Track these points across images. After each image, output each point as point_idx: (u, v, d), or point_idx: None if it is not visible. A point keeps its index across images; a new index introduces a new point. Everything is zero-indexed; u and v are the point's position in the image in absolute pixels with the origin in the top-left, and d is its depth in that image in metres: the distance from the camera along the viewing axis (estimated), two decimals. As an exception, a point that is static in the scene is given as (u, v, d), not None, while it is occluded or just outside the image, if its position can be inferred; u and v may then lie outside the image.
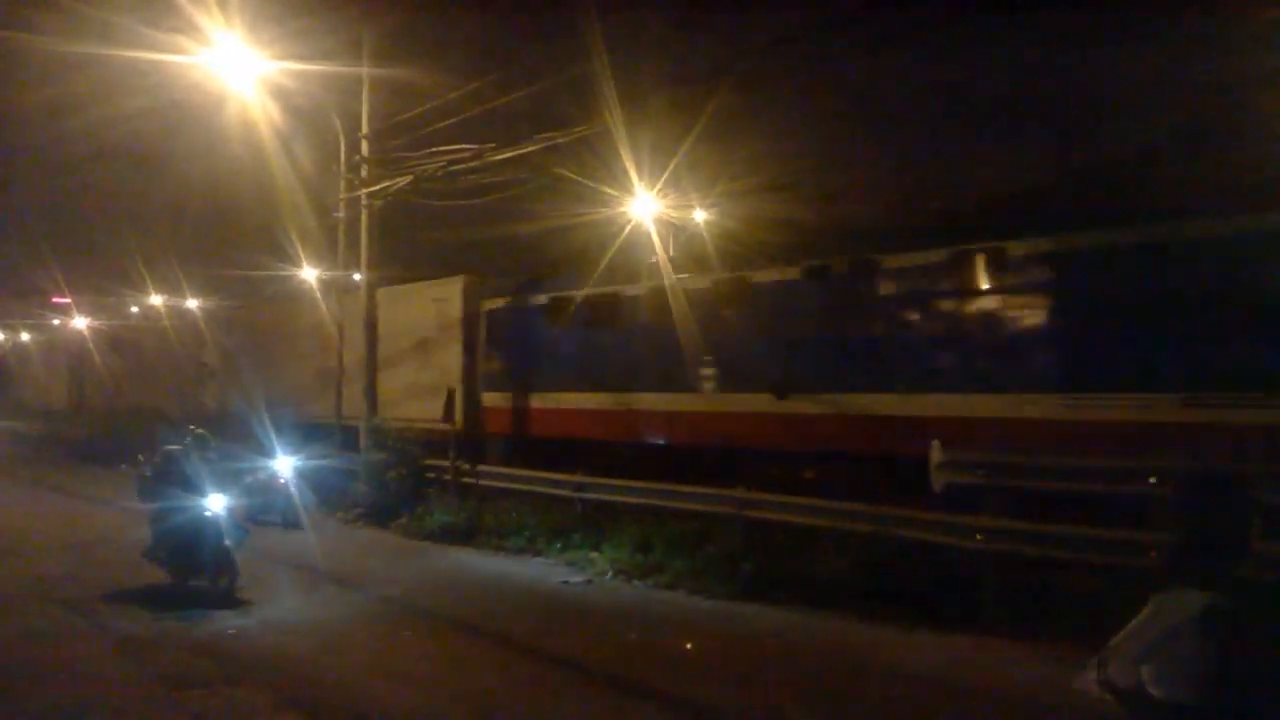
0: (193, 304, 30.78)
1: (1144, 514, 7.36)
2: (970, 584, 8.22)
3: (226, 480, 9.29)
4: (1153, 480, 7.18)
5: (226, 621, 8.22)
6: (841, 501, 9.67)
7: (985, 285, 10.26)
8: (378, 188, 15.28)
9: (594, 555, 10.98)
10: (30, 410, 41.48)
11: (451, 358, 16.86)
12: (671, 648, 7.77)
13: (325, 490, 15.15)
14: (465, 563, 11.63)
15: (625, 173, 14.16)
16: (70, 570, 10.31)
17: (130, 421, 26.62)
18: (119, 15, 11.71)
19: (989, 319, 10.20)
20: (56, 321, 40.72)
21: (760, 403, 12.03)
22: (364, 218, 15.66)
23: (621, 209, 15.71)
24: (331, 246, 17.61)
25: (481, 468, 14.49)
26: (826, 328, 11.67)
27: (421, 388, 16.95)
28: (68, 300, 36.81)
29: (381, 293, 16.88)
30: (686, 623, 8.56)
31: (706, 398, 12.84)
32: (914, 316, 10.95)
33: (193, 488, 8.97)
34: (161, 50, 11.57)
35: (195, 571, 9.07)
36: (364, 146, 15.48)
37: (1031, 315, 9.95)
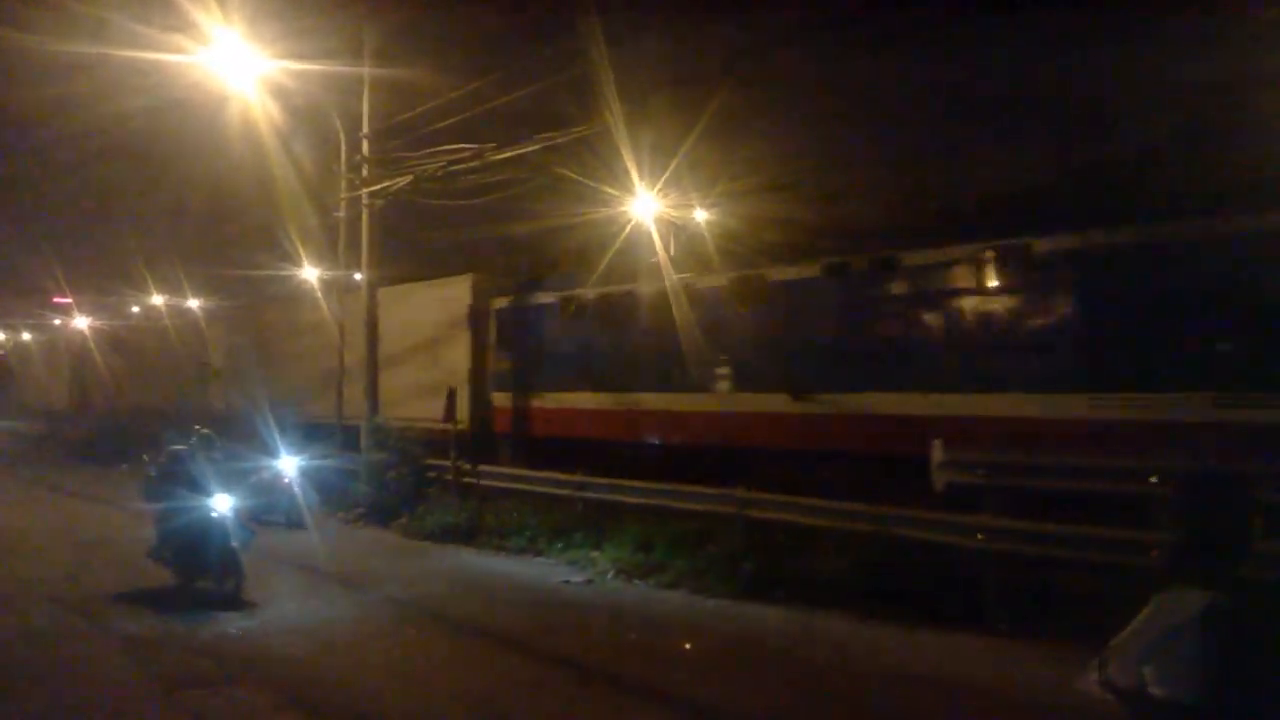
0: (194, 304, 30.80)
1: (1145, 513, 7.35)
2: (971, 583, 8.23)
3: (232, 480, 9.24)
4: (1154, 479, 7.17)
5: (231, 623, 8.21)
6: (842, 501, 9.64)
7: (1010, 282, 10.05)
8: (378, 187, 15.30)
9: (595, 555, 10.98)
10: (31, 410, 41.49)
11: (459, 357, 16.75)
12: (672, 647, 7.77)
13: (326, 490, 15.15)
14: (466, 562, 11.63)
15: (625, 172, 14.15)
16: (71, 570, 10.33)
17: (131, 421, 26.65)
18: (119, 15, 11.72)
19: (1014, 316, 10.02)
20: (57, 321, 40.74)
21: (776, 403, 11.91)
22: (365, 217, 15.67)
23: (622, 208, 15.71)
24: (332, 246, 17.61)
25: (482, 467, 14.47)
26: (846, 326, 11.53)
27: (424, 387, 16.89)
28: (68, 300, 36.83)
29: (383, 292, 16.87)
30: (687, 622, 8.56)
31: (721, 397, 12.71)
32: (937, 314, 10.72)
33: (199, 488, 8.92)
34: (162, 49, 11.58)
35: (201, 572, 9.04)
36: (365, 146, 15.50)
37: (1059, 312, 9.74)
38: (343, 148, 15.73)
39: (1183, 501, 3.07)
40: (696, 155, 14.30)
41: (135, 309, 36.71)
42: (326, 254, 19.71)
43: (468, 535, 12.67)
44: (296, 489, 13.80)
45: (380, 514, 14.36)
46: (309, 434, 16.42)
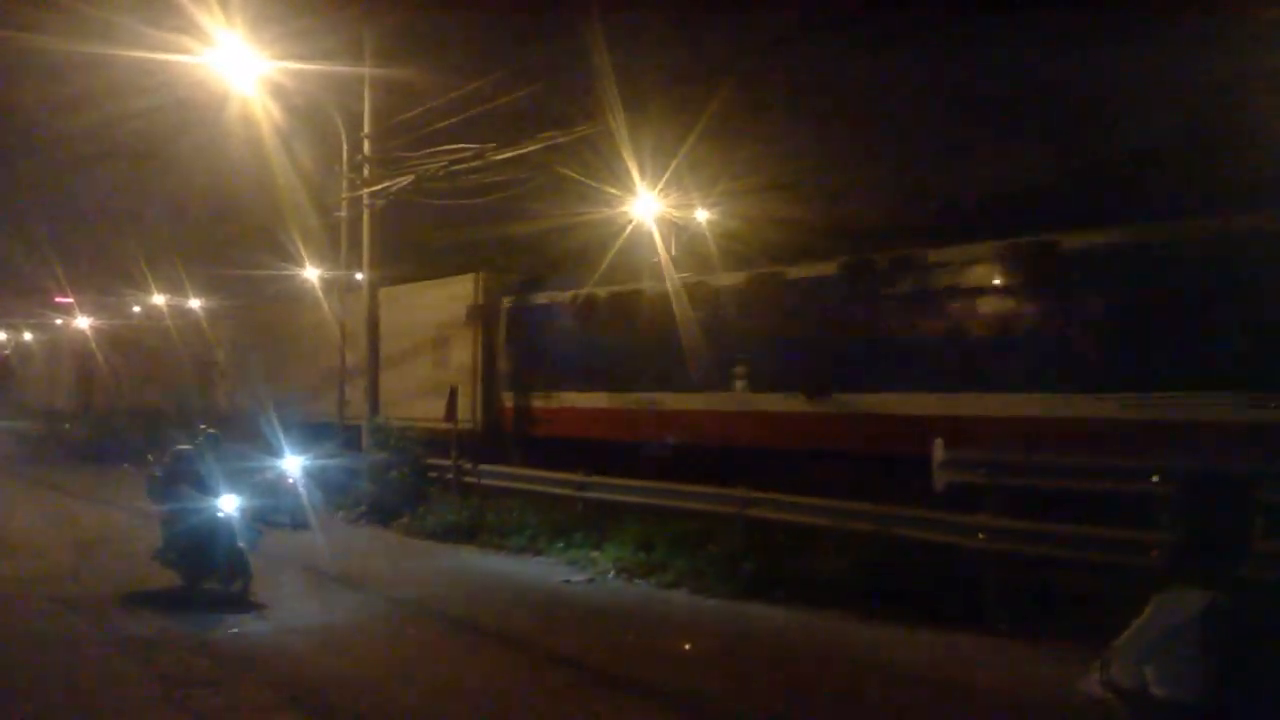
0: (195, 303, 30.83)
1: (1146, 513, 7.33)
2: (972, 583, 8.21)
3: (238, 480, 9.18)
4: (1155, 479, 7.15)
5: (238, 624, 8.17)
6: (843, 500, 9.61)
7: (1037, 280, 9.85)
8: (379, 187, 15.30)
9: (595, 554, 10.97)
10: (32, 410, 41.50)
11: (466, 356, 16.62)
12: (672, 647, 7.76)
13: (327, 489, 15.15)
14: (467, 562, 11.63)
15: (627, 172, 14.17)
16: (73, 570, 10.33)
17: (132, 421, 26.67)
18: (121, 15, 11.75)
19: (1042, 315, 9.86)
20: (59, 321, 40.78)
21: (794, 403, 11.76)
22: (366, 217, 15.68)
23: (623, 208, 15.72)
24: (334, 246, 17.63)
25: (483, 466, 14.42)
26: (867, 325, 11.34)
27: (426, 387, 16.85)
28: (70, 300, 36.86)
29: (385, 292, 16.87)
30: (688, 622, 8.56)
31: (739, 398, 12.54)
32: (961, 313, 10.54)
33: (205, 488, 8.88)
34: (163, 50, 11.60)
35: (208, 574, 8.96)
36: (366, 146, 15.51)
37: (1087, 311, 9.56)
38: (344, 147, 15.74)
39: (1183, 501, 3.07)
40: (697, 155, 14.32)
41: (137, 309, 36.75)
42: (328, 254, 19.74)
43: (469, 534, 12.67)
44: (301, 489, 13.79)
45: (381, 513, 14.36)
46: (311, 434, 16.43)
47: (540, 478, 13.37)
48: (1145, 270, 9.18)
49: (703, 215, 17.54)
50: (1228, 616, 2.67)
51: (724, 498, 10.61)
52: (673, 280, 13.42)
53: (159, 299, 32.90)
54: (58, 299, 37.27)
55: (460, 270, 17.50)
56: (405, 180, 14.65)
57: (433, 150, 13.91)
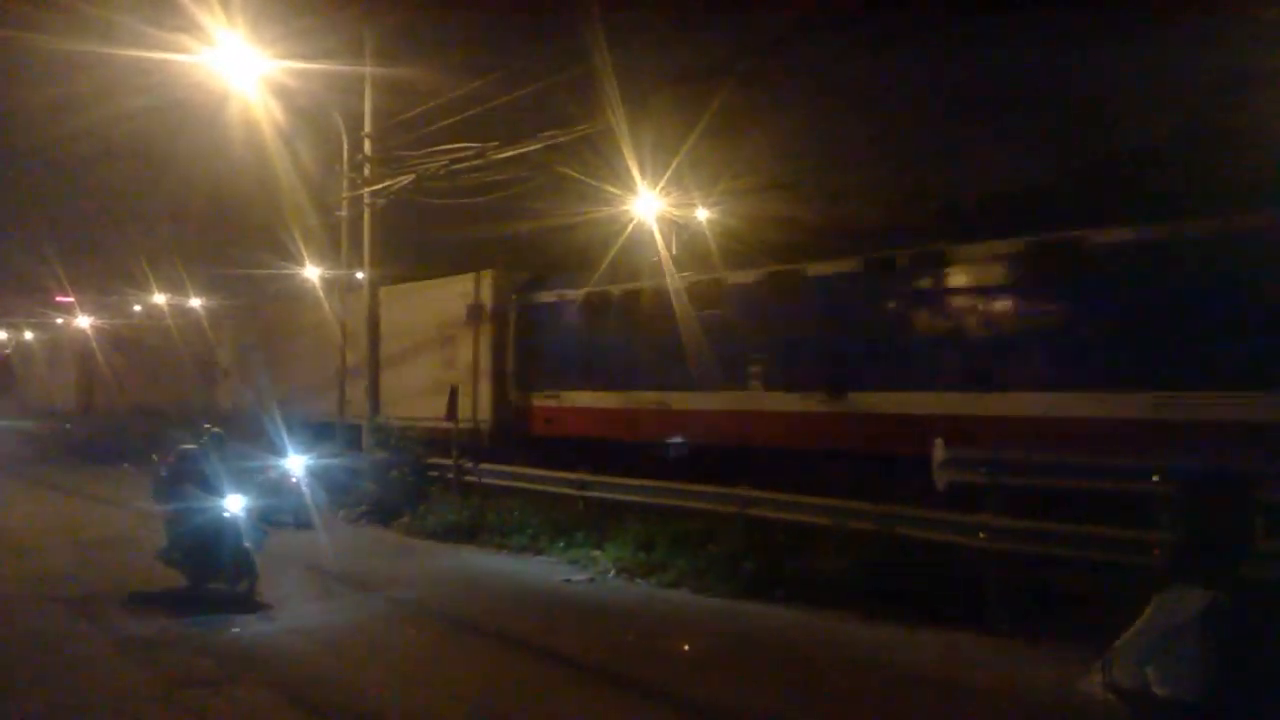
0: (196, 303, 30.85)
1: (1147, 512, 7.32)
2: (973, 583, 8.21)
3: (242, 480, 9.13)
4: (1156, 479, 7.15)
5: (244, 625, 8.15)
6: (844, 500, 9.61)
7: (1064, 277, 9.70)
8: (380, 186, 15.32)
9: (596, 554, 10.98)
10: (34, 410, 41.52)
11: (469, 355, 16.55)
12: (673, 647, 7.77)
13: (329, 489, 15.16)
14: (468, 561, 11.64)
15: (628, 171, 14.17)
16: (74, 571, 10.32)
17: (134, 421, 26.68)
18: (122, 14, 11.76)
19: (1070, 313, 9.74)
20: (60, 320, 40.80)
21: (812, 402, 11.69)
22: (366, 216, 15.69)
23: (624, 207, 15.73)
24: (334, 245, 17.64)
25: (484, 466, 14.42)
26: (890, 323, 11.23)
27: (427, 386, 16.83)
28: (71, 299, 36.90)
29: (386, 291, 16.87)
30: (688, 622, 8.56)
31: (755, 397, 12.41)
32: (986, 310, 10.41)
33: (210, 488, 8.83)
34: (164, 49, 11.60)
35: (214, 574, 8.92)
36: (366, 145, 15.53)
37: (1115, 309, 9.41)
38: (345, 147, 15.75)
39: (1184, 501, 3.08)
40: (698, 154, 14.33)
41: (138, 308, 36.78)
42: (329, 253, 19.76)
43: (469, 534, 12.68)
44: (304, 488, 13.80)
45: (382, 513, 14.37)
46: (313, 433, 16.43)
47: (541, 477, 13.37)
48: (1180, 266, 8.98)
49: (703, 214, 17.55)
50: (1228, 616, 2.68)
51: (725, 497, 10.62)
52: (674, 279, 13.41)
53: (160, 298, 32.94)
54: (59, 298, 37.35)
55: (461, 269, 17.46)
56: (406, 179, 14.66)
57: (433, 149, 13.93)
